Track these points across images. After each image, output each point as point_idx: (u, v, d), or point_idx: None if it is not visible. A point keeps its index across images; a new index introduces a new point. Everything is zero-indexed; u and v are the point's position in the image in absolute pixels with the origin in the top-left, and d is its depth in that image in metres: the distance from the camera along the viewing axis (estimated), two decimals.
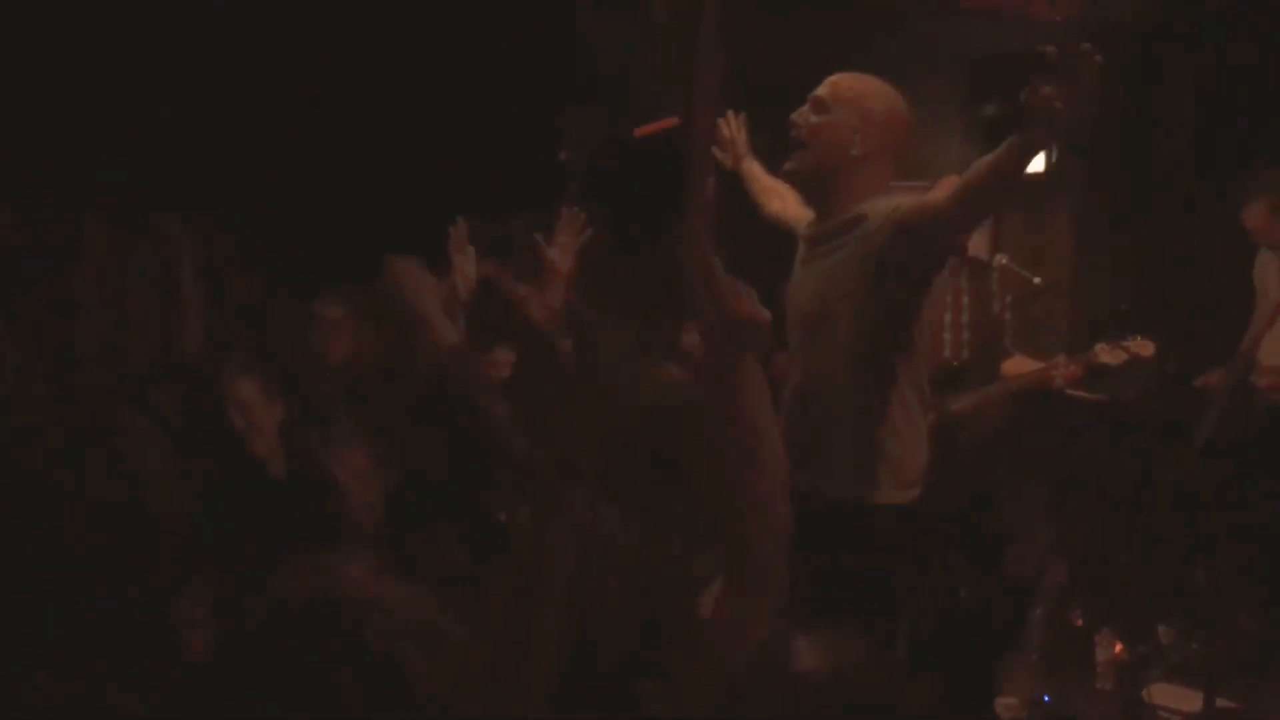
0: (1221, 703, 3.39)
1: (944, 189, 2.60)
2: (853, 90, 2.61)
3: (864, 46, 6.20)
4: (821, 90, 2.64)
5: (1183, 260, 5.43)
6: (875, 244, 2.49)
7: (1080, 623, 3.89)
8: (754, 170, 3.25)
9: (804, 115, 2.65)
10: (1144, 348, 4.06)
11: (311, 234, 4.97)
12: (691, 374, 5.08)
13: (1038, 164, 6.80)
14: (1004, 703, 3.46)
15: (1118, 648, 3.76)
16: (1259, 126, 4.94)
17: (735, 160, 3.28)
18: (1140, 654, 3.79)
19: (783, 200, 3.09)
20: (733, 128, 3.27)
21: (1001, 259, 4.35)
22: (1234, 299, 4.69)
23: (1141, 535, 4.49)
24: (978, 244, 4.52)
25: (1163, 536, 4.46)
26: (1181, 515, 4.44)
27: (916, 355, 2.59)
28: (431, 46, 5.26)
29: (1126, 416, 4.44)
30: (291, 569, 1.66)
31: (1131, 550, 4.45)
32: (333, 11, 4.97)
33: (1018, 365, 4.30)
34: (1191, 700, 3.45)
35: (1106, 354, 4.09)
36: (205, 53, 4.75)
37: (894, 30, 6.29)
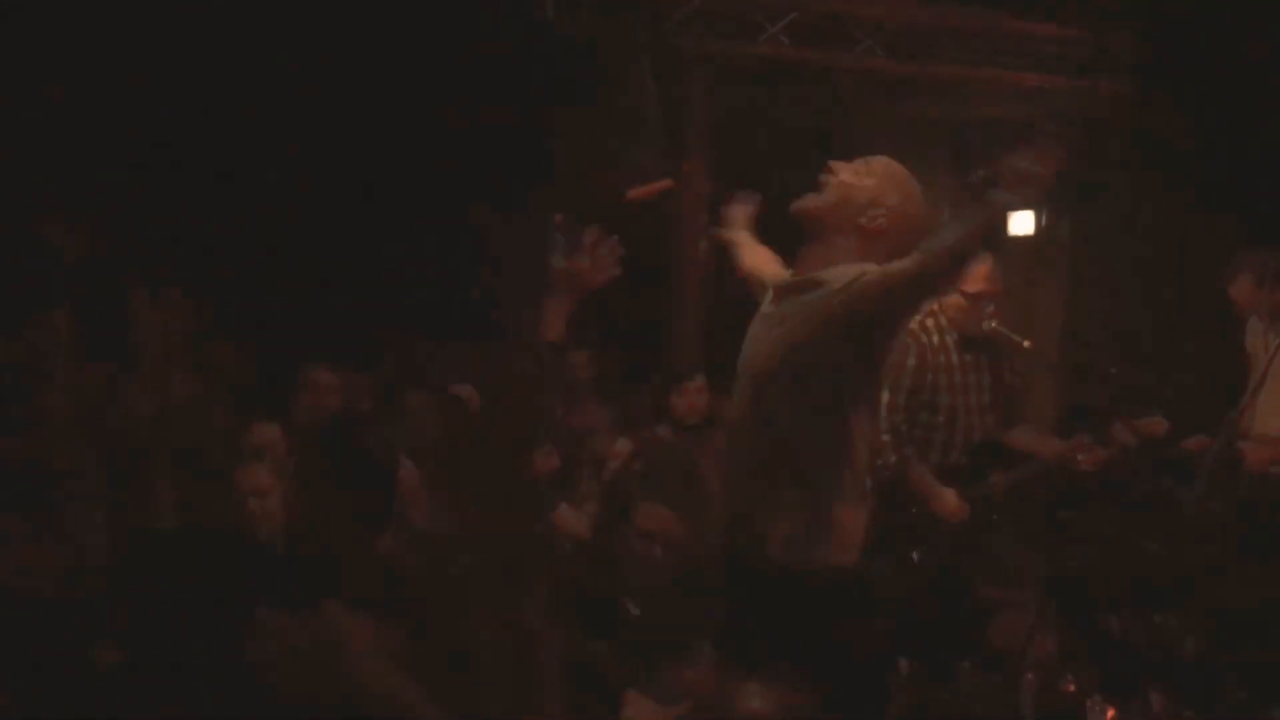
0: None
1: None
2: (893, 177, 2.68)
3: (851, 113, 6.33)
4: (871, 159, 2.71)
5: (1172, 324, 5.47)
6: (837, 306, 2.51)
7: (1073, 689, 3.87)
8: (747, 240, 3.27)
9: (842, 167, 2.70)
10: (1157, 427, 4.08)
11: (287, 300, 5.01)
12: (679, 435, 5.09)
13: (1028, 227, 6.92)
14: None
15: (1110, 715, 3.73)
16: (1248, 199, 5.02)
17: (729, 235, 3.30)
18: None
19: (757, 258, 3.11)
20: (749, 204, 3.31)
21: (991, 323, 4.37)
22: (1221, 364, 4.71)
23: (1131, 602, 4.47)
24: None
25: (1153, 605, 4.45)
26: (1171, 582, 4.42)
27: (870, 419, 2.60)
28: (422, 106, 5.34)
29: (1112, 485, 4.44)
30: (283, 619, 1.68)
31: (1122, 617, 4.43)
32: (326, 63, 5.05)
33: (1024, 435, 4.29)
34: None
35: (1124, 434, 4.10)
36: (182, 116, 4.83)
37: (880, 98, 6.40)
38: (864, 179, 2.67)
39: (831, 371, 2.51)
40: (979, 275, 4.03)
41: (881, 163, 2.71)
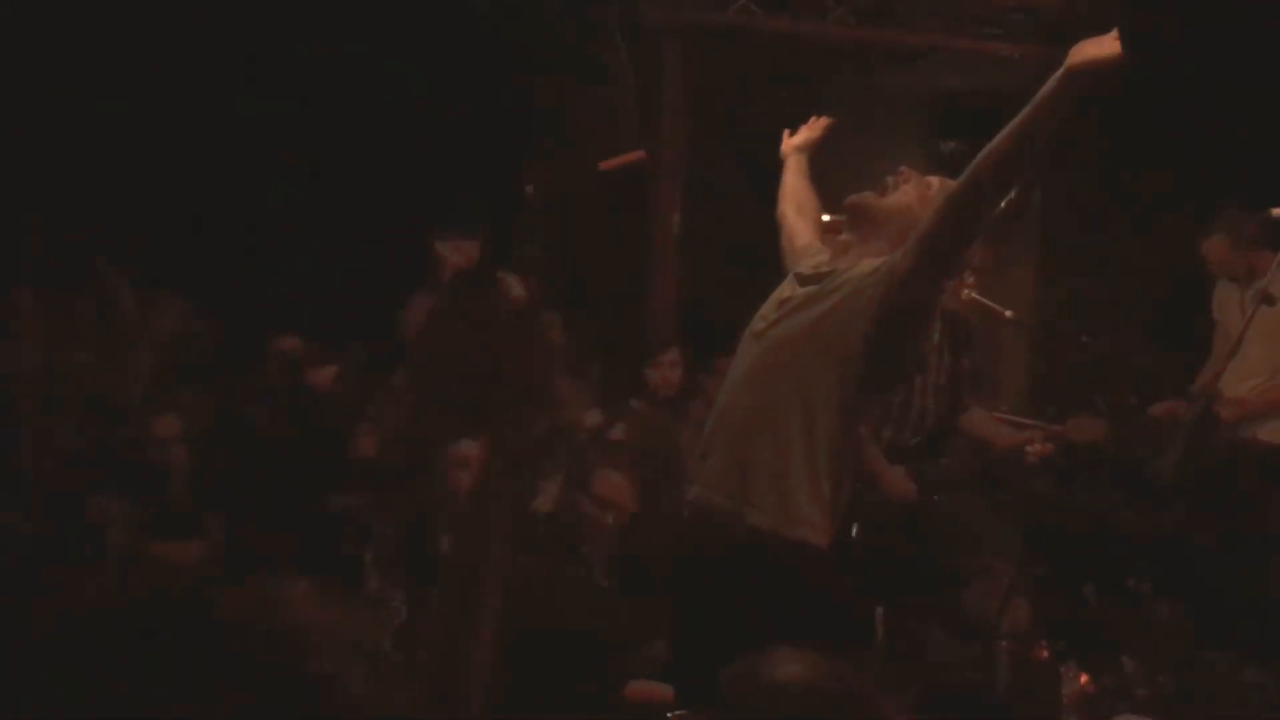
0: None
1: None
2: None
3: (830, 87, 6.30)
4: (937, 178, 2.68)
5: (1143, 292, 5.50)
6: (887, 278, 2.48)
7: (1046, 657, 3.90)
8: (800, 166, 3.16)
9: (912, 175, 2.67)
10: (1095, 430, 4.13)
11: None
12: (654, 411, 5.08)
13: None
14: None
15: (1083, 680, 3.77)
16: (1223, 164, 5.03)
17: (792, 147, 3.17)
18: (1105, 687, 3.79)
19: (801, 217, 3.03)
20: (817, 125, 3.20)
21: (970, 293, 4.36)
22: (1192, 331, 4.74)
23: (1105, 571, 4.51)
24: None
25: (1126, 572, 4.49)
26: (1144, 550, 4.46)
27: (874, 404, 2.60)
28: (394, 92, 5.28)
29: (1084, 454, 4.47)
30: (232, 592, 1.67)
31: (1095, 584, 4.47)
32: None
33: (977, 420, 4.31)
34: None
35: (1074, 431, 4.14)
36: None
37: (860, 71, 6.38)
38: (926, 194, 2.62)
39: (868, 359, 2.48)
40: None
41: (940, 182, 2.66)
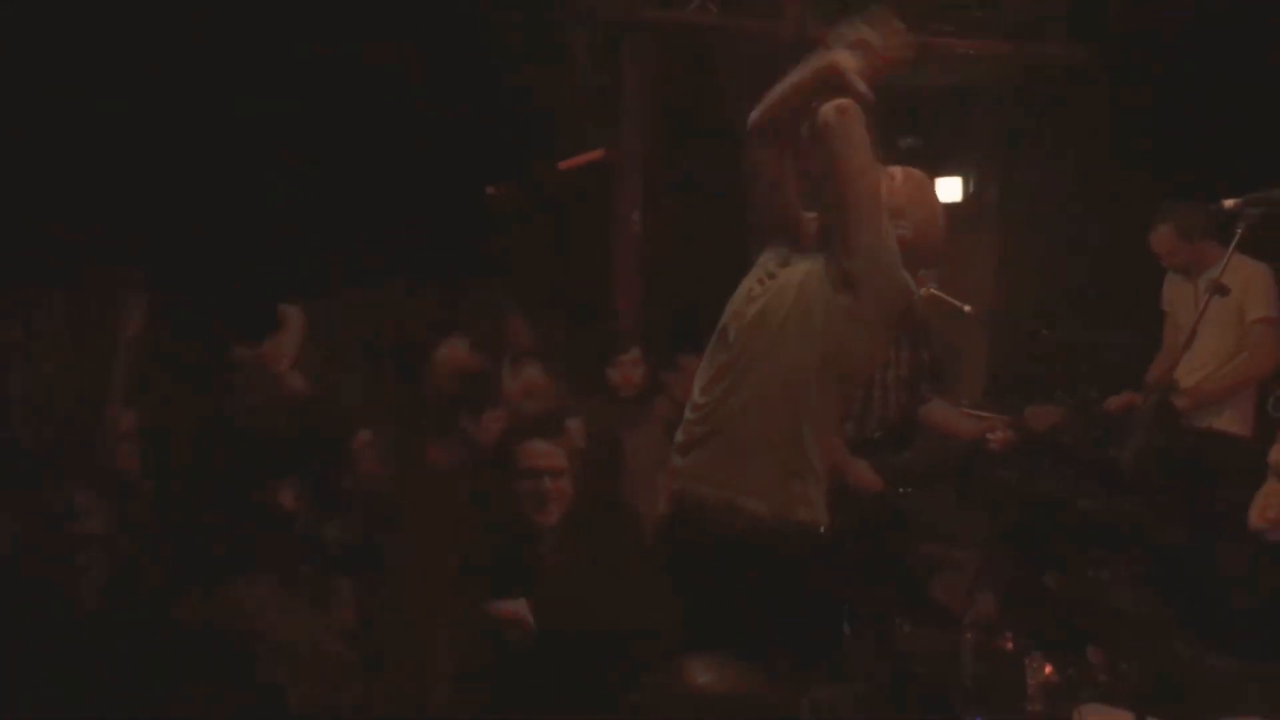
0: None
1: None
2: (923, 191, 2.73)
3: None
4: (906, 170, 2.74)
5: (1104, 284, 5.56)
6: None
7: (1011, 647, 3.93)
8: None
9: (900, 178, 2.71)
10: (1052, 416, 4.17)
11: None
12: (618, 408, 5.07)
13: (956, 194, 6.98)
14: None
15: (1047, 670, 3.80)
16: (1174, 158, 5.10)
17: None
18: (1070, 676, 3.83)
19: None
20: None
21: (929, 288, 4.39)
22: (1150, 322, 4.80)
23: (1068, 560, 4.55)
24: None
25: (1089, 561, 4.53)
26: (1106, 539, 4.51)
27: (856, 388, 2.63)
28: (358, 93, 5.25)
29: (1046, 445, 4.52)
30: (191, 597, 1.67)
31: (1058, 575, 4.51)
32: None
33: (937, 412, 4.33)
34: None
35: (1034, 419, 4.18)
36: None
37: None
38: (898, 186, 2.66)
39: (825, 334, 2.54)
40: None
41: (917, 175, 2.72)
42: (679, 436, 2.70)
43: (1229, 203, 2.46)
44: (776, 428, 2.55)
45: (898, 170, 2.72)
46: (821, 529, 2.55)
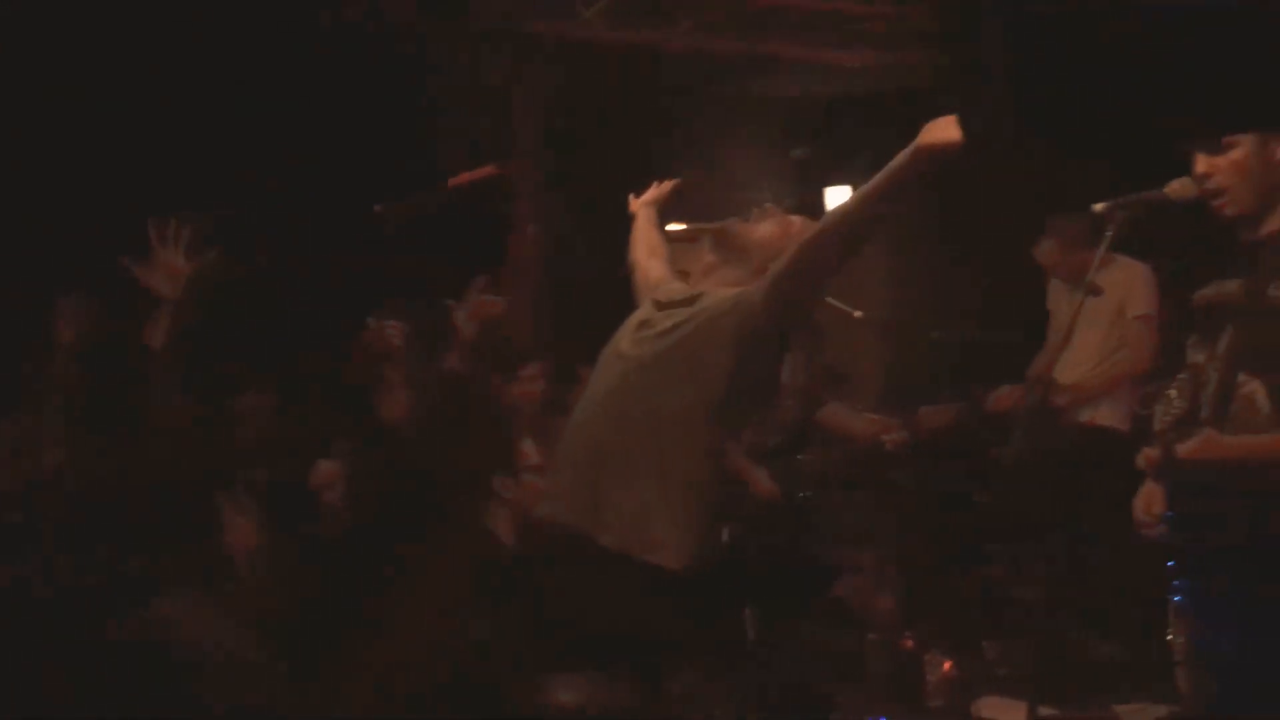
0: (1045, 710, 3.52)
1: (770, 224, 2.71)
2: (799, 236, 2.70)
3: (685, 95, 6.38)
4: (795, 217, 2.77)
5: (992, 289, 5.70)
6: (744, 311, 2.54)
7: (911, 645, 4.01)
8: (649, 217, 3.27)
9: (775, 211, 2.76)
10: (946, 416, 4.27)
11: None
12: (521, 423, 5.05)
13: (846, 198, 7.10)
14: None
15: (946, 666, 3.89)
16: (1059, 167, 5.26)
17: (640, 204, 3.30)
18: (967, 670, 3.92)
19: (654, 258, 3.12)
20: (664, 186, 3.35)
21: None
22: (1036, 322, 4.94)
23: (962, 557, 4.66)
24: None
25: (982, 557, 4.64)
26: (998, 535, 4.63)
27: (739, 424, 2.65)
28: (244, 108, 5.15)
29: (940, 444, 4.62)
30: (121, 614, 1.65)
31: (954, 572, 4.62)
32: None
33: (834, 415, 4.41)
34: (1018, 711, 3.57)
35: (928, 419, 4.28)
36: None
37: (710, 79, 6.47)
38: (789, 229, 2.71)
39: (737, 380, 2.53)
40: None
41: (802, 222, 2.76)
42: (553, 459, 2.72)
43: (1098, 206, 2.54)
44: (636, 469, 2.53)
45: (796, 219, 2.78)
46: (675, 571, 2.50)
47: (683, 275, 3.02)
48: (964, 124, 2.33)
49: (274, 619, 2.81)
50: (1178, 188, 2.44)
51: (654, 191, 3.35)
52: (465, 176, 3.11)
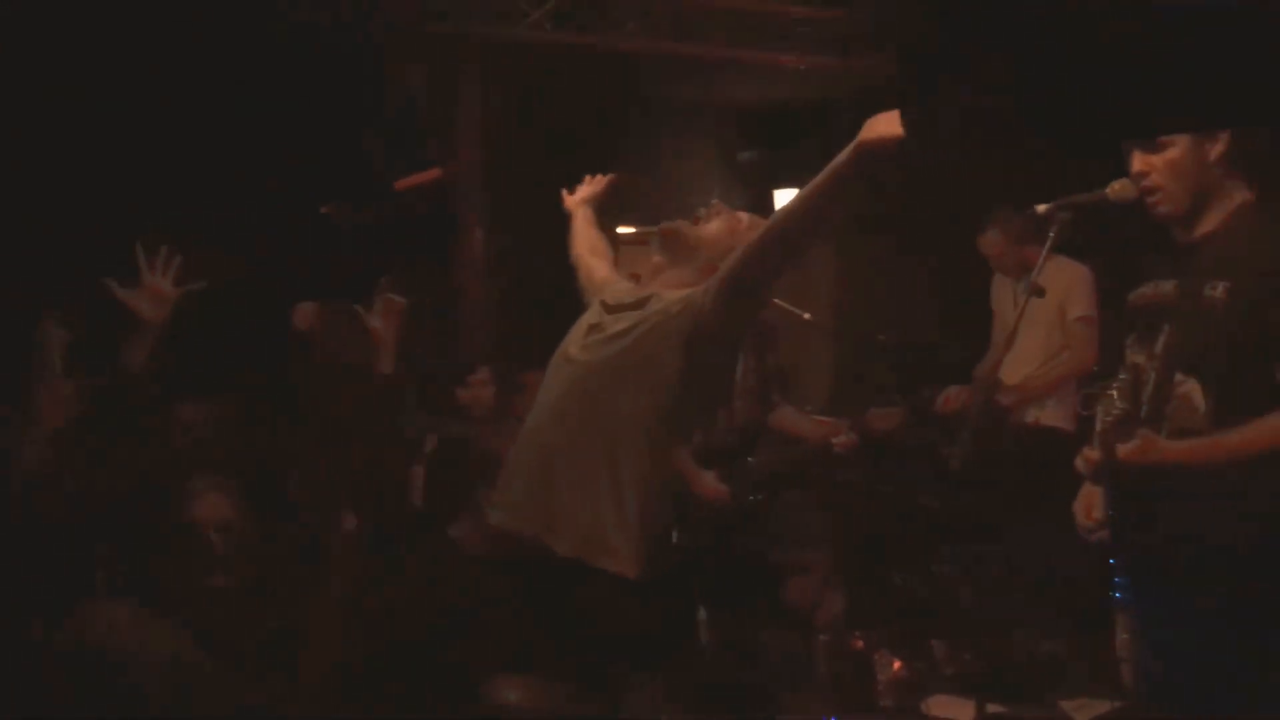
0: (993, 708, 3.56)
1: (720, 222, 2.71)
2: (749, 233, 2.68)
3: (632, 98, 6.37)
4: (743, 214, 2.77)
5: (939, 290, 5.75)
6: (694, 313, 2.52)
7: (860, 645, 4.03)
8: (587, 216, 3.27)
9: (723, 209, 2.75)
10: (892, 419, 4.30)
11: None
12: (469, 427, 5.03)
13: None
14: None
15: (895, 666, 3.91)
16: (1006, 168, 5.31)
17: (576, 203, 3.30)
18: (917, 670, 3.95)
19: (595, 256, 3.12)
20: (598, 182, 3.34)
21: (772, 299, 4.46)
22: (983, 323, 4.99)
23: (910, 558, 4.69)
24: None
25: (930, 558, 4.68)
26: (946, 536, 4.67)
27: (687, 432, 2.65)
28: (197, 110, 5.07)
29: (888, 445, 4.65)
30: (56, 617, 1.64)
31: (902, 573, 4.65)
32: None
33: (784, 417, 4.42)
34: (966, 709, 3.61)
35: (876, 421, 4.31)
36: None
37: (658, 83, 6.48)
38: (737, 228, 2.70)
39: (687, 383, 2.52)
40: None
41: (750, 219, 2.75)
42: (504, 466, 2.70)
43: (1042, 207, 2.56)
44: (587, 474, 2.52)
45: (744, 216, 2.78)
46: (628, 577, 2.48)
47: (634, 277, 3.01)
48: (907, 122, 2.30)
49: (240, 602, 2.77)
50: (1119, 189, 2.44)
51: (588, 188, 3.34)
52: (411, 180, 3.08)
